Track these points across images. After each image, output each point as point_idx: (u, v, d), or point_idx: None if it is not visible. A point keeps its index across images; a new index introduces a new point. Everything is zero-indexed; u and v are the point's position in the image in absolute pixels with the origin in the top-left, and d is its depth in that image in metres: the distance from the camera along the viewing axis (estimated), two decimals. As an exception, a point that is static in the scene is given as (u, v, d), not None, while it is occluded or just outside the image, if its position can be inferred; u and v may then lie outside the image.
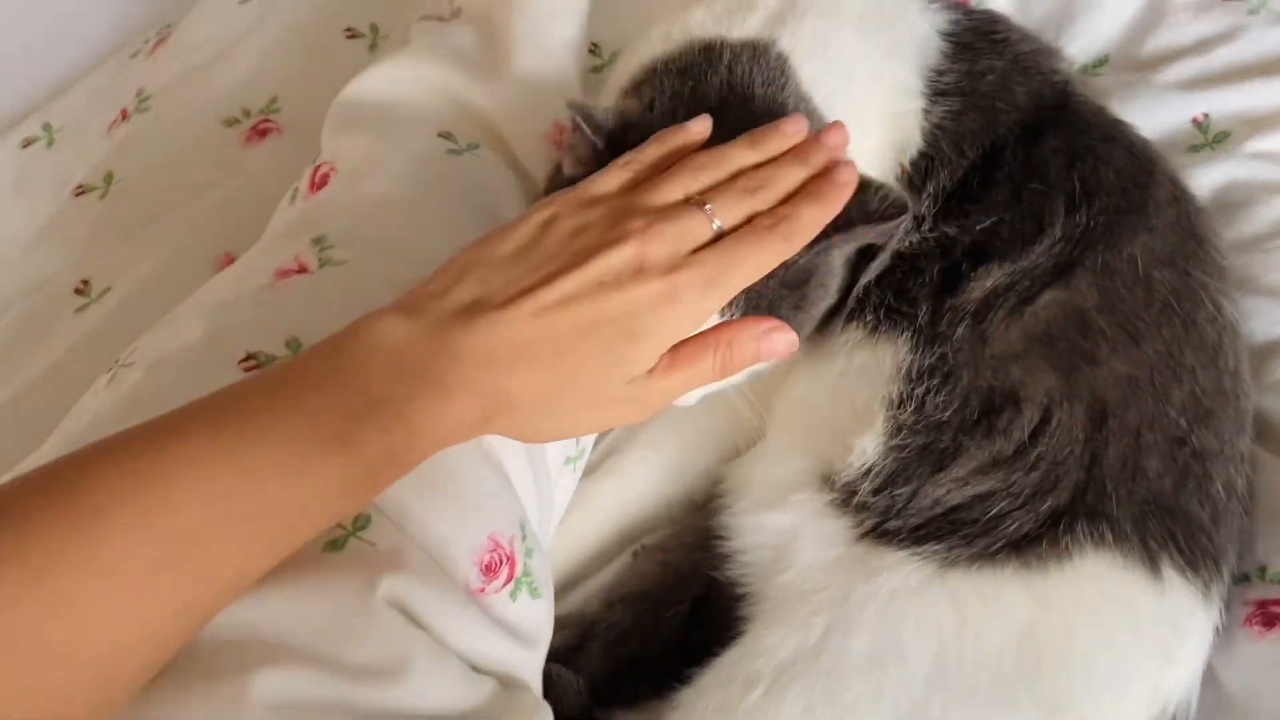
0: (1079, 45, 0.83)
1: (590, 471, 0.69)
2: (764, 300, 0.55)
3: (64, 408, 0.58)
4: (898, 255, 0.63)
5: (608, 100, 0.66)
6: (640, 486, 0.71)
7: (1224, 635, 0.59)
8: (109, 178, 0.81)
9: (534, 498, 0.57)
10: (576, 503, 0.68)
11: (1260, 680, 0.58)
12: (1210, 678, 0.58)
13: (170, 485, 0.38)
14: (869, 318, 0.63)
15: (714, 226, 0.49)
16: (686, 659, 0.60)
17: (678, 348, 0.49)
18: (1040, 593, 0.56)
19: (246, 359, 0.53)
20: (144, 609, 0.38)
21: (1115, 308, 0.60)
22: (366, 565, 0.47)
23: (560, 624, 0.61)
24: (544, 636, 0.56)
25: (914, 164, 0.64)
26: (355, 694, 0.44)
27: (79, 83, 0.96)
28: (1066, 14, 0.84)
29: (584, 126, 0.56)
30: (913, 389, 0.60)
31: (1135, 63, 0.82)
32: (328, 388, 0.43)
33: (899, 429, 0.60)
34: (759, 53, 0.61)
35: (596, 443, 0.70)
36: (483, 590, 0.51)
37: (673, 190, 0.50)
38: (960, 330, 0.60)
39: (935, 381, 0.60)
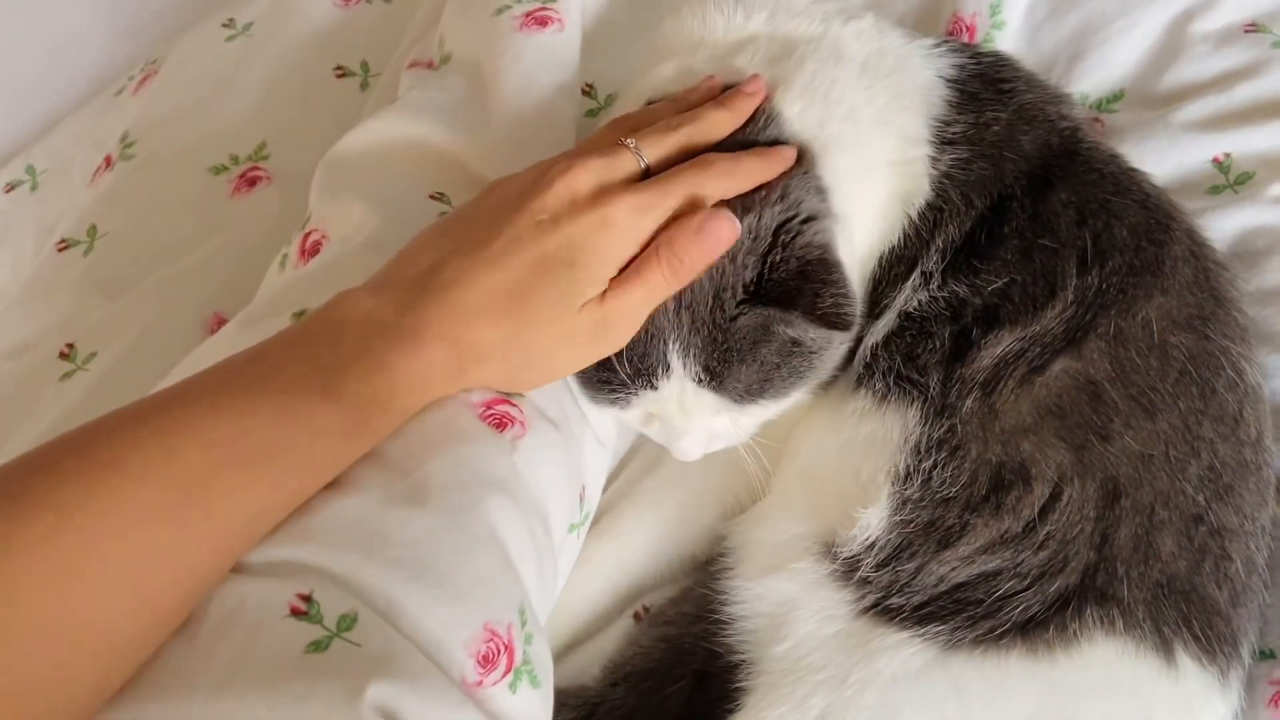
0: (1093, 80, 0.80)
1: (589, 528, 0.67)
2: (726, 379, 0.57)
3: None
4: (906, 316, 0.62)
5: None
6: (640, 544, 0.69)
7: (1247, 718, 0.57)
8: (93, 231, 0.79)
9: (535, 574, 0.55)
10: (575, 563, 0.66)
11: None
12: (1233, 761, 0.56)
13: (174, 438, 0.44)
14: (879, 385, 0.61)
15: (640, 163, 0.54)
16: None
17: (624, 268, 0.53)
18: (1046, 681, 0.54)
19: None
20: (164, 546, 0.42)
21: (1129, 378, 0.57)
22: (352, 671, 0.45)
23: (562, 701, 0.59)
24: None
25: (921, 215, 0.62)
26: None
27: (63, 123, 0.94)
28: (1078, 48, 0.80)
29: None
30: (920, 462, 0.58)
31: (1152, 98, 0.78)
32: (306, 353, 0.49)
33: (904, 503, 0.58)
34: None
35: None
36: (480, 683, 0.49)
37: (600, 142, 0.56)
38: (969, 402, 0.58)
39: (943, 455, 0.58)
